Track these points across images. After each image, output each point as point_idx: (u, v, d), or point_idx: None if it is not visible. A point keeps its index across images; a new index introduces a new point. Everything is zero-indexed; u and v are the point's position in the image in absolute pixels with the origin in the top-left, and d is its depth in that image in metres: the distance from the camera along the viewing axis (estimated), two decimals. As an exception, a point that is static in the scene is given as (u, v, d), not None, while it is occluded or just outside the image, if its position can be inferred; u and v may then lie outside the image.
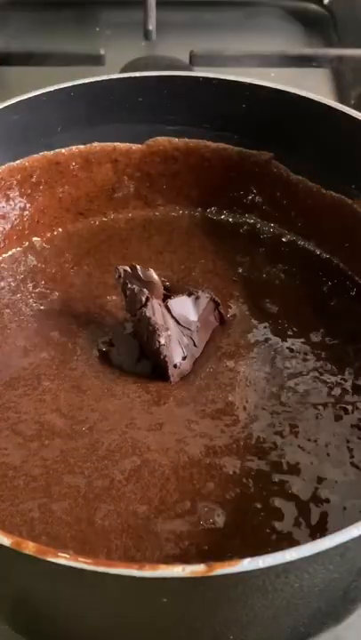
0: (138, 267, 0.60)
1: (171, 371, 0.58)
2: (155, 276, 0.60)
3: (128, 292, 0.60)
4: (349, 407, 0.57)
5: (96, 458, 0.54)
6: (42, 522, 0.51)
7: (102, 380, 0.59)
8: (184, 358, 0.59)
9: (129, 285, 0.60)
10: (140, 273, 0.60)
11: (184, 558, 0.48)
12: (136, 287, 0.59)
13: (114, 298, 0.65)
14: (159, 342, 0.57)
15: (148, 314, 0.58)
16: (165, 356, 0.58)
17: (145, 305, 0.58)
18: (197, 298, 0.61)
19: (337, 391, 0.58)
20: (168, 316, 0.59)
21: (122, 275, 0.60)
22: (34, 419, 0.56)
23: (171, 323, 0.59)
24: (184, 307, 0.61)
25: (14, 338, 0.62)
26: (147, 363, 0.59)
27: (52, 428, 0.56)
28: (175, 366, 0.58)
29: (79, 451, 0.54)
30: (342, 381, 0.59)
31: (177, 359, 0.58)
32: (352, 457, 0.54)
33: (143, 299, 0.59)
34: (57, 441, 0.55)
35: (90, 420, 0.56)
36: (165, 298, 0.61)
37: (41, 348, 0.61)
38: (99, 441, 0.55)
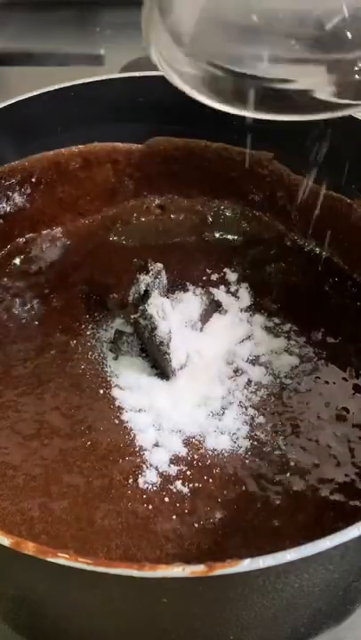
0: (149, 260, 0.60)
1: (171, 367, 0.58)
2: (162, 270, 0.60)
3: (133, 288, 0.60)
4: (351, 407, 0.57)
5: (95, 457, 0.54)
6: (42, 521, 0.51)
7: (102, 378, 0.59)
8: (185, 356, 0.59)
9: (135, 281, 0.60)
10: (149, 266, 0.60)
11: (184, 557, 0.48)
12: (141, 283, 0.59)
13: (114, 296, 0.65)
14: (161, 339, 0.57)
15: (150, 310, 0.58)
16: (166, 352, 0.57)
17: (148, 301, 0.58)
18: (197, 296, 0.61)
19: (338, 390, 0.58)
20: (171, 313, 0.59)
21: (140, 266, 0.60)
22: (33, 418, 0.56)
23: (173, 320, 0.59)
24: (186, 305, 0.61)
25: (15, 336, 0.62)
26: (147, 359, 0.59)
27: (52, 427, 0.56)
28: (175, 364, 0.58)
29: (78, 450, 0.54)
30: (343, 380, 0.59)
31: (177, 356, 0.58)
32: (353, 457, 0.54)
33: (146, 294, 0.59)
34: (56, 440, 0.55)
35: (88, 419, 0.56)
36: (168, 296, 0.61)
37: (42, 346, 0.61)
38: (98, 440, 0.55)
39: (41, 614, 0.47)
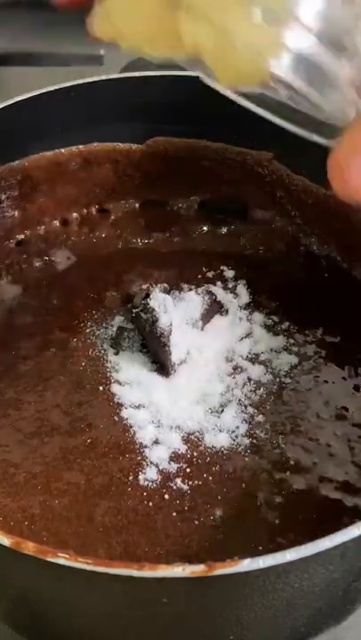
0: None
1: (171, 361, 0.58)
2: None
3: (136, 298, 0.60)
4: (351, 406, 0.57)
5: (95, 455, 0.54)
6: (42, 518, 0.51)
7: (101, 375, 0.59)
8: (184, 351, 0.59)
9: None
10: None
11: (185, 554, 0.49)
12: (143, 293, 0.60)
13: (114, 294, 0.65)
14: (162, 330, 0.57)
15: (152, 304, 0.58)
16: (166, 344, 0.57)
17: (149, 296, 0.59)
18: (200, 295, 0.61)
19: (338, 389, 0.58)
20: (172, 308, 0.59)
21: None
22: (34, 415, 0.57)
23: (174, 316, 0.59)
24: (188, 304, 0.61)
25: (15, 334, 0.62)
26: (148, 355, 0.59)
27: (52, 424, 0.56)
28: (175, 358, 0.58)
29: (78, 448, 0.55)
30: (343, 380, 0.59)
31: (177, 351, 0.58)
32: (353, 456, 0.54)
33: (148, 290, 0.59)
34: (56, 438, 0.55)
35: (89, 416, 0.56)
36: (168, 294, 0.61)
37: (42, 344, 0.61)
38: (98, 438, 0.55)
39: (41, 614, 0.47)
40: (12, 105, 0.65)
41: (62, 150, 0.68)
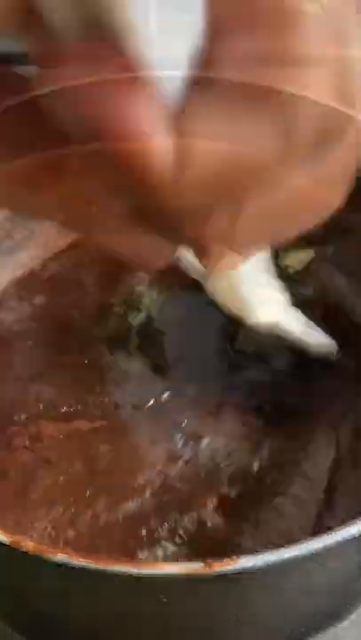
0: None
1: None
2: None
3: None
4: (355, 409, 0.57)
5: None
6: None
7: (98, 376, 0.59)
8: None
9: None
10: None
11: (185, 554, 0.49)
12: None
13: (110, 293, 0.65)
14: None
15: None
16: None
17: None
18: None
19: (342, 391, 0.58)
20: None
21: None
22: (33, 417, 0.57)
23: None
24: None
25: (12, 333, 0.62)
26: (143, 354, 0.59)
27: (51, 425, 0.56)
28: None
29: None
30: (347, 382, 0.58)
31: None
32: (355, 458, 0.54)
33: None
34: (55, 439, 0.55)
35: (87, 417, 0.56)
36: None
37: (38, 343, 0.61)
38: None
39: (40, 613, 0.47)
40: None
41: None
